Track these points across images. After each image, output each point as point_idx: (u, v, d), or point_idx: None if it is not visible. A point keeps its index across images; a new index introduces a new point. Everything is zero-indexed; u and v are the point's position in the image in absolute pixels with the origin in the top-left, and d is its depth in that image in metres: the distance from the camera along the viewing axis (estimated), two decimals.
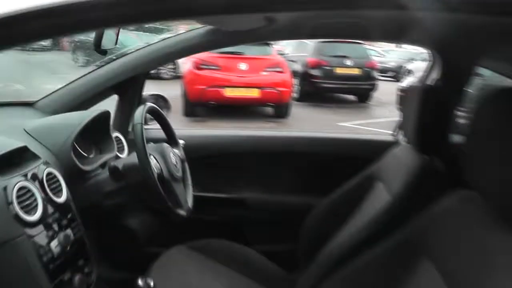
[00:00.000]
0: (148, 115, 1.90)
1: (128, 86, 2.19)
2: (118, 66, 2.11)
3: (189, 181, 1.93)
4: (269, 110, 9.19)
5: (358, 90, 11.33)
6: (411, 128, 1.66)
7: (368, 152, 2.12)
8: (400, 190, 1.55)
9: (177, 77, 11.18)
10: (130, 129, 2.25)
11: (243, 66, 8.53)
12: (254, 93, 8.48)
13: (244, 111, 9.00)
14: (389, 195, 1.59)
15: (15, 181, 1.33)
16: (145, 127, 2.12)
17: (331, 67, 10.70)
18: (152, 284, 1.25)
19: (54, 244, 1.39)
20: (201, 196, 2.21)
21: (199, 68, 8.54)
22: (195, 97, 8.46)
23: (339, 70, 10.74)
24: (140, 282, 1.23)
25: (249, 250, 1.92)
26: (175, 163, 1.78)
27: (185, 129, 2.46)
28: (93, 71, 2.12)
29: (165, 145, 1.79)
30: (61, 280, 1.40)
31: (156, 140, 1.84)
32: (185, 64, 9.10)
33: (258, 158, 2.43)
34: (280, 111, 8.97)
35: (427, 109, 1.60)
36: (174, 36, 2.07)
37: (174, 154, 1.82)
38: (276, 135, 2.64)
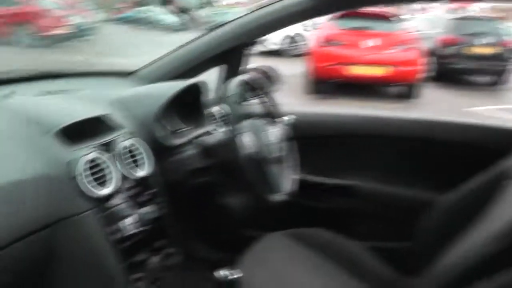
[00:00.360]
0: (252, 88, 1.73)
1: (231, 56, 2.04)
2: (221, 35, 1.97)
3: (290, 163, 1.75)
4: (396, 90, 8.72)
5: (493, 72, 10.23)
6: None
7: (500, 142, 1.80)
8: None
9: (301, 54, 11.01)
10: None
11: (370, 42, 8.17)
12: (380, 71, 8.08)
13: (369, 90, 8.62)
14: None
15: (85, 153, 1.23)
16: (253, 101, 1.97)
17: (464, 45, 9.84)
18: (235, 276, 1.10)
19: (128, 221, 1.29)
20: (306, 180, 2.02)
21: (324, 45, 8.33)
22: (319, 74, 8.25)
23: (473, 50, 9.84)
24: (220, 273, 1.08)
25: (355, 245, 1.68)
26: (273, 142, 1.59)
27: (297, 105, 2.25)
28: (194, 40, 2.00)
29: (263, 122, 1.61)
30: (133, 261, 1.30)
31: (260, 116, 1.67)
32: (310, 40, 8.92)
33: (374, 142, 2.16)
34: (407, 92, 8.47)
35: None
36: (279, 1, 1.88)
37: (274, 132, 1.63)
38: (396, 117, 2.31)
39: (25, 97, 1.42)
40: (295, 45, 13.18)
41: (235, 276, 1.09)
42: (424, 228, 1.62)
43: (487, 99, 8.95)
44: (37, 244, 1.16)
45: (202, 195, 1.81)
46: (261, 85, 1.74)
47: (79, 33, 13.55)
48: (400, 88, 8.58)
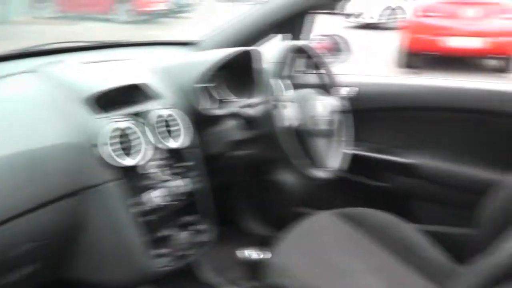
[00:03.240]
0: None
1: (293, 24, 1.93)
2: (283, 0, 1.86)
3: (342, 137, 1.62)
4: (492, 63, 8.01)
5: None
6: None
7: None
8: None
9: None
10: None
11: (470, 12, 7.56)
12: (479, 43, 7.45)
13: (463, 64, 7.95)
14: None
15: (111, 121, 1.20)
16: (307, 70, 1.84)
17: None
18: (261, 257, 1.01)
19: (155, 194, 1.25)
20: (361, 156, 1.89)
21: (422, 15, 7.84)
22: (414, 47, 7.77)
23: None
24: (244, 253, 1.00)
25: (410, 228, 1.53)
26: (320, 115, 1.47)
27: (361, 75, 2.07)
28: (258, 6, 1.93)
29: (310, 91, 1.49)
30: (158, 236, 1.26)
31: (312, 87, 1.55)
32: (409, 12, 8.44)
33: (442, 116, 1.93)
34: (504, 65, 7.65)
35: None
36: None
37: (323, 104, 1.51)
38: (472, 87, 1.97)
39: (66, 65, 1.40)
40: (395, 18, 12.56)
41: (260, 257, 1.00)
42: (488, 212, 1.44)
43: None
44: (63, 212, 1.15)
45: (247, 169, 1.73)
46: (317, 54, 1.60)
47: (177, 9, 13.70)
48: (496, 61, 7.86)
